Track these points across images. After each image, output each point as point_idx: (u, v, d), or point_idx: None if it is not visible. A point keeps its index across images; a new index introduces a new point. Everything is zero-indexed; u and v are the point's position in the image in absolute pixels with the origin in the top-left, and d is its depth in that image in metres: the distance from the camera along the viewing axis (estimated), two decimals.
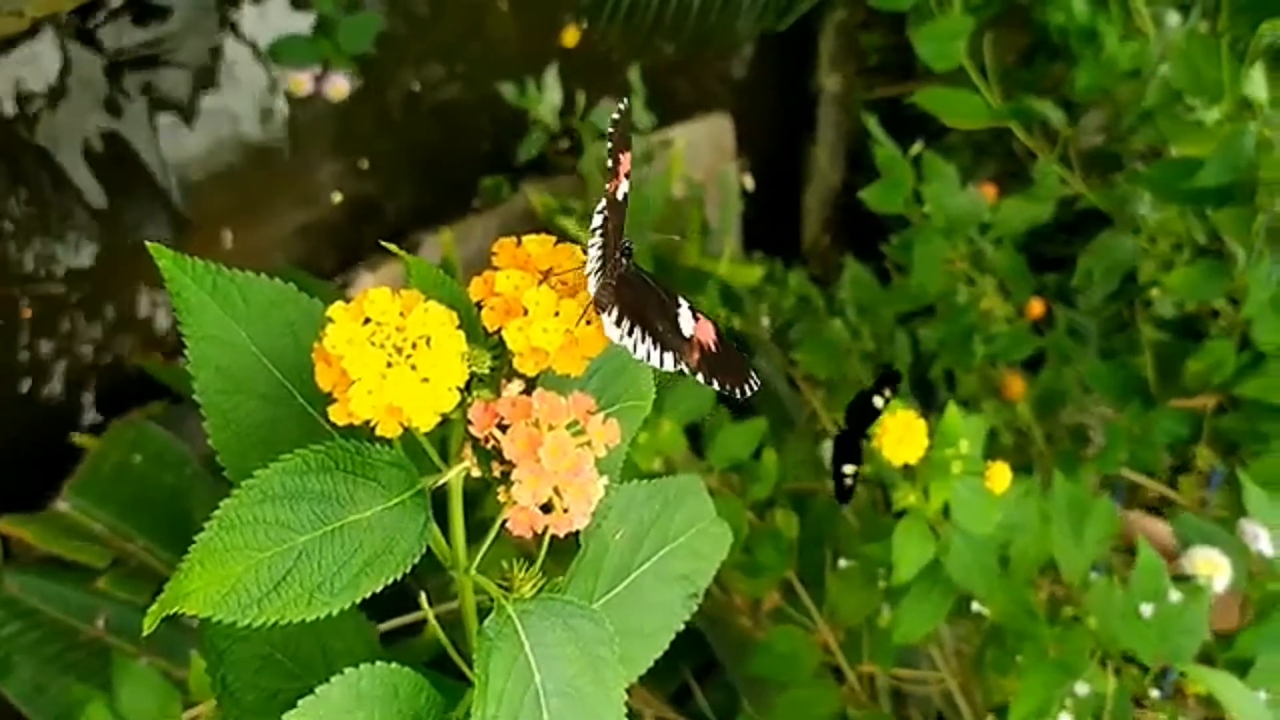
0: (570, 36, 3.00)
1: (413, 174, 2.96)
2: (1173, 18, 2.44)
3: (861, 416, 1.40)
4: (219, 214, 2.64)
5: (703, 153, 3.32)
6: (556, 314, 0.68)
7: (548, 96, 2.96)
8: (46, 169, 2.38)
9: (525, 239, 0.70)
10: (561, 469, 0.68)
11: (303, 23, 2.65)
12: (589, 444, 0.69)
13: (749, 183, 3.39)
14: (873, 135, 2.23)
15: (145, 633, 0.66)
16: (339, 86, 2.69)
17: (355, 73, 2.73)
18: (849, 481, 1.41)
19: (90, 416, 2.49)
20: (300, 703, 0.72)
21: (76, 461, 2.24)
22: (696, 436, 1.89)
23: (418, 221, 2.90)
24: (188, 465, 2.23)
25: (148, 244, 0.75)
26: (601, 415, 0.71)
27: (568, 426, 0.69)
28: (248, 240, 2.68)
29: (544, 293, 0.68)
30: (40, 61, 2.33)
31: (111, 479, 2.20)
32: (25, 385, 2.41)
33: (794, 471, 1.94)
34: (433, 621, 0.81)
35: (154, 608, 0.66)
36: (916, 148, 2.16)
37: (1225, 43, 1.78)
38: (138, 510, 2.18)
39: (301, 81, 2.65)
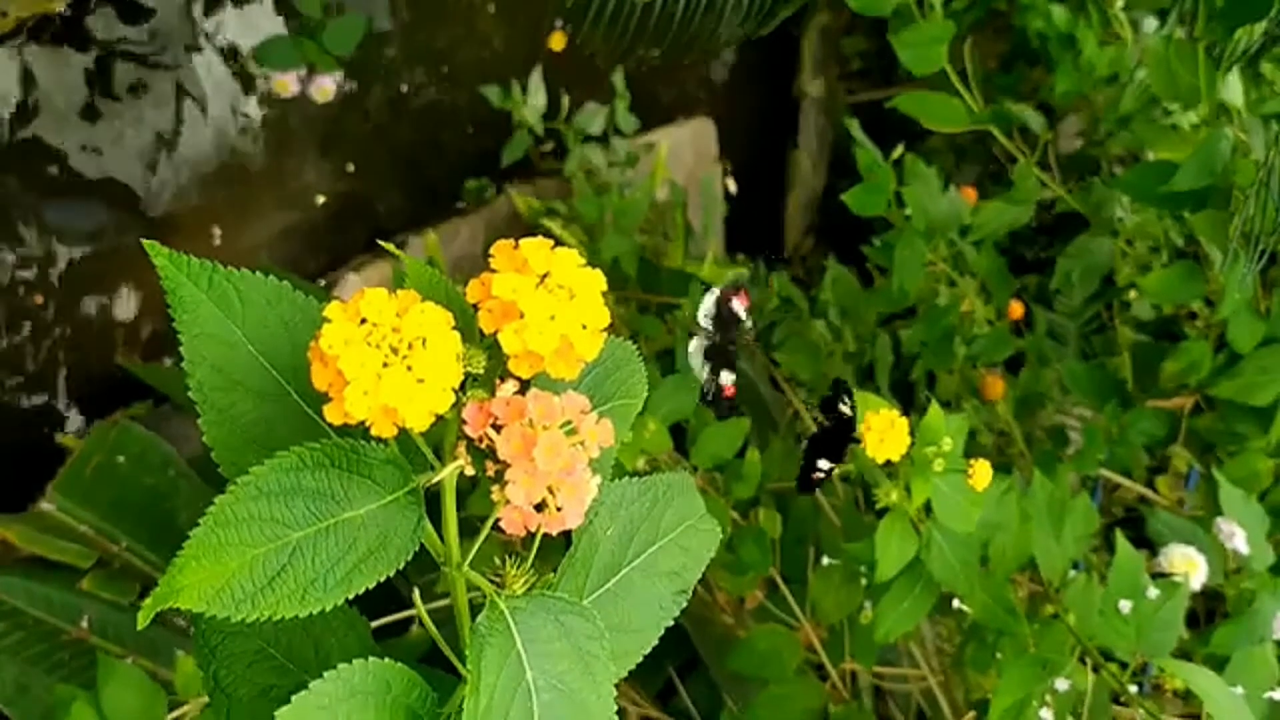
0: (557, 40, 3.01)
1: (397, 176, 2.96)
2: (1150, 23, 2.47)
3: (834, 419, 1.41)
4: (203, 216, 2.64)
5: (686, 156, 3.33)
6: (552, 318, 0.68)
7: (532, 99, 2.97)
8: (29, 168, 2.38)
9: (522, 242, 0.70)
10: (556, 469, 0.68)
11: (288, 25, 2.65)
12: (583, 444, 0.70)
13: (732, 186, 3.41)
14: (855, 139, 2.25)
15: (140, 628, 0.67)
16: (324, 88, 2.70)
17: (341, 75, 2.74)
18: (819, 475, 1.42)
19: (73, 417, 2.49)
20: (293, 698, 0.72)
21: (60, 462, 2.24)
22: (681, 436, 1.89)
23: (402, 223, 2.90)
24: (171, 466, 2.23)
25: (144, 241, 0.76)
26: (595, 415, 0.72)
27: (561, 426, 0.70)
28: (232, 242, 2.68)
29: (540, 296, 0.68)
30: (25, 61, 2.33)
31: (95, 480, 2.20)
32: (7, 386, 2.41)
33: (777, 471, 1.95)
34: (425, 617, 0.82)
35: (148, 602, 0.66)
36: (898, 151, 2.17)
37: (1201, 48, 1.80)
38: (121, 511, 2.17)
39: (286, 83, 2.65)
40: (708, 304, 1.46)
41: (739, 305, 1.44)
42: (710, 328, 1.43)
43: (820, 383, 2.34)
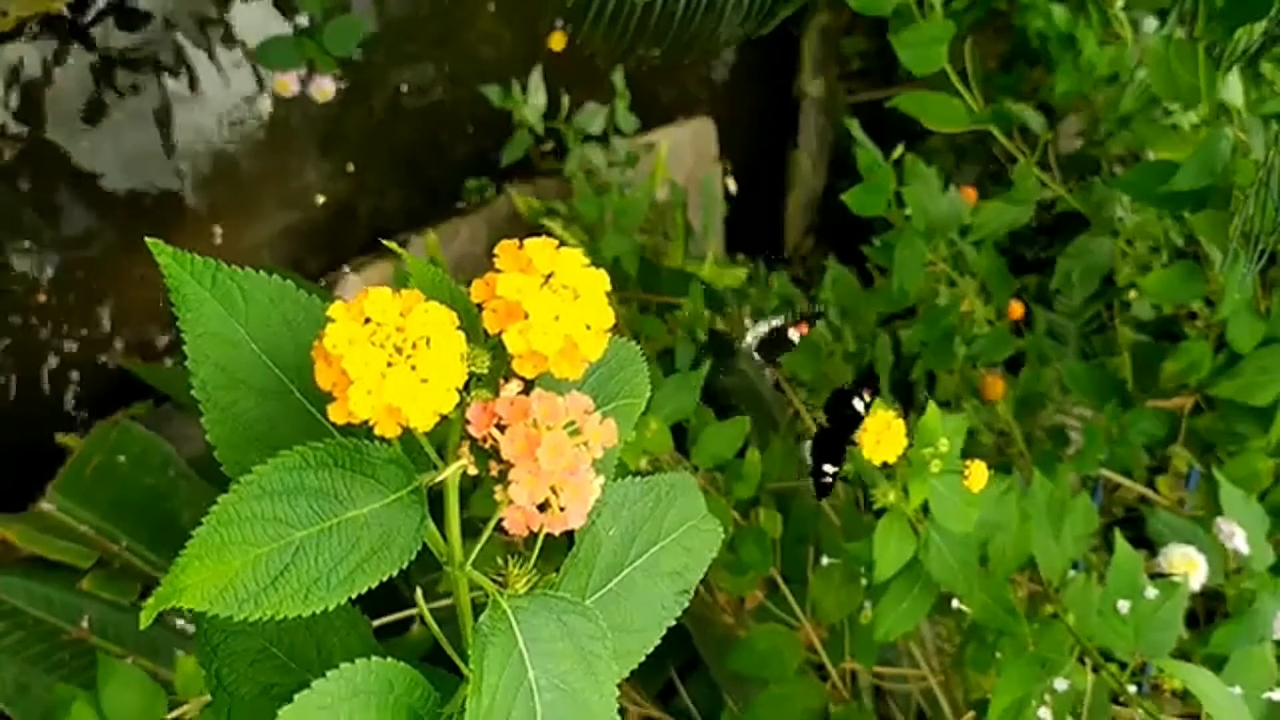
0: (557, 40, 3.01)
1: (397, 175, 2.97)
2: (1150, 23, 2.47)
3: (842, 417, 1.41)
4: (204, 215, 2.64)
5: (686, 156, 3.34)
6: (557, 319, 0.68)
7: (532, 99, 2.98)
8: (30, 169, 2.38)
9: (527, 243, 0.70)
10: (559, 469, 0.68)
11: (288, 25, 2.65)
12: (586, 444, 0.70)
13: (732, 186, 3.41)
14: (855, 139, 2.25)
15: (142, 627, 0.66)
16: (324, 88, 2.70)
17: (341, 75, 2.74)
18: (828, 480, 1.42)
19: (75, 417, 2.49)
20: (296, 697, 0.72)
21: (60, 462, 2.24)
22: (681, 436, 1.90)
23: (403, 223, 2.90)
24: (171, 466, 2.23)
25: (147, 240, 0.76)
26: (599, 415, 0.71)
27: (565, 426, 0.70)
28: (233, 241, 2.69)
29: (545, 296, 0.68)
30: (25, 61, 2.33)
31: (95, 480, 2.20)
32: (8, 386, 2.41)
33: (777, 471, 1.95)
34: (428, 617, 0.82)
35: (151, 602, 0.66)
36: (898, 151, 2.17)
37: (1201, 48, 1.80)
38: (121, 511, 2.18)
39: (287, 83, 2.65)
40: (760, 330, 1.51)
41: (795, 334, 1.51)
42: (763, 351, 1.49)
43: (821, 383, 2.34)
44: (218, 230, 2.67)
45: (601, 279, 0.70)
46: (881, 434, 1.35)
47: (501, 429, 0.69)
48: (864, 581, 1.64)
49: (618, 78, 3.07)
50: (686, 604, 0.88)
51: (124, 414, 2.45)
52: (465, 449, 0.72)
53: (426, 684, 0.78)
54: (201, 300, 0.76)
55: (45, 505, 2.17)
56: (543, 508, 0.70)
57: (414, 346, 0.66)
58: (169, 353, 2.58)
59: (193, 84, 2.56)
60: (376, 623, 0.91)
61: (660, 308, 2.59)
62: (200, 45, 2.56)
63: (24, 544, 2.09)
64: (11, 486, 2.23)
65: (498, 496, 0.70)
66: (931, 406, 1.43)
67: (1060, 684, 1.51)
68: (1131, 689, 1.55)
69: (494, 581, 0.76)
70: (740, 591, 1.90)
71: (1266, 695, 1.53)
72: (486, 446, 0.70)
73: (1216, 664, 1.54)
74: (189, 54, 2.55)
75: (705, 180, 3.29)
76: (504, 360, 0.70)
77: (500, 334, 0.68)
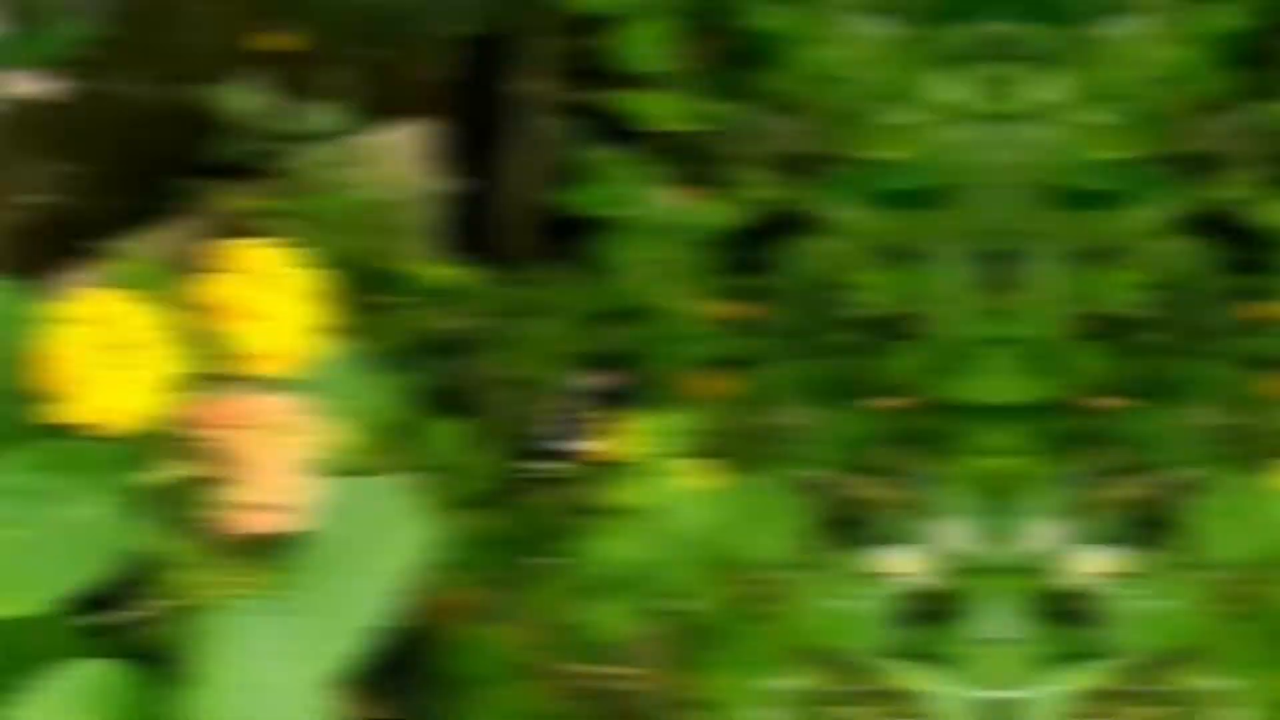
0: (274, 40, 2.98)
1: (115, 178, 2.90)
2: (867, 24, 2.54)
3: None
4: None
5: (403, 157, 3.33)
6: (275, 319, 0.68)
7: (249, 99, 2.94)
8: None
9: (244, 243, 0.70)
10: (278, 470, 0.69)
11: (9, 24, 2.57)
12: (305, 444, 0.70)
13: (453, 186, 3.41)
14: (573, 139, 2.26)
15: None
16: (36, 89, 2.63)
17: (59, 76, 2.66)
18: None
19: None
20: (9, 701, 0.71)
21: None
22: (401, 436, 1.89)
23: (121, 225, 2.84)
24: None
25: None
26: (317, 416, 0.72)
27: (283, 427, 0.70)
28: None
29: (263, 297, 0.68)
30: None
31: None
32: None
33: (500, 471, 1.96)
34: (144, 617, 0.81)
35: None
36: (618, 151, 2.19)
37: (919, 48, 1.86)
38: None
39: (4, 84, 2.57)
40: None
41: None
42: None
43: (542, 384, 2.36)
44: None
45: (319, 279, 0.71)
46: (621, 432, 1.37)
47: (220, 429, 0.69)
48: (592, 581, 1.65)
49: (338, 76, 3.05)
50: (407, 605, 0.88)
51: None
52: (184, 450, 0.72)
53: (143, 685, 0.77)
54: None
55: None
56: (261, 508, 0.70)
57: (130, 348, 0.65)
58: None
59: None
60: (95, 623, 0.90)
61: (381, 307, 2.58)
62: None
63: None
64: None
65: (216, 497, 0.70)
66: (653, 408, 1.45)
67: (782, 683, 1.54)
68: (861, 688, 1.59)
69: (212, 582, 0.76)
70: (462, 592, 1.91)
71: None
72: (205, 447, 0.70)
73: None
74: None
75: (426, 181, 3.29)
76: (221, 361, 0.70)
77: (217, 335, 0.68)
